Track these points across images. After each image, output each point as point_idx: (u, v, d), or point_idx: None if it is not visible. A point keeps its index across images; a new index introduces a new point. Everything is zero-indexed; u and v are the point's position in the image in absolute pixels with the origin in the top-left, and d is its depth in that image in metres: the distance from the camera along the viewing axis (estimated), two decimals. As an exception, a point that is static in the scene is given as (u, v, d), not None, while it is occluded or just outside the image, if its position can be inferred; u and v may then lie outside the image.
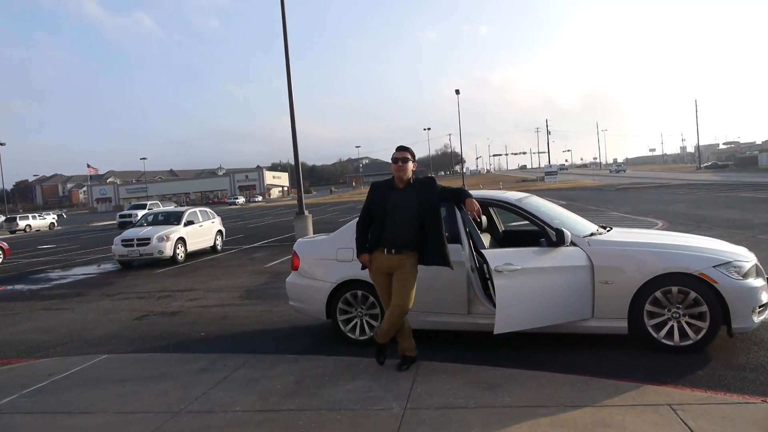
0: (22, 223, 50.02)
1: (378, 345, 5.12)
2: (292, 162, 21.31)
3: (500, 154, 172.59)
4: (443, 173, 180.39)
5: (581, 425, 3.57)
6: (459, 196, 5.08)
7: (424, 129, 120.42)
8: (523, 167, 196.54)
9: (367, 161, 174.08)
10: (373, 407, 4.15)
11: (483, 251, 5.31)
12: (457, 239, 5.78)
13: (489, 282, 5.58)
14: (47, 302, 11.05)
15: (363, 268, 5.13)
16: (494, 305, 5.41)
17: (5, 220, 52.98)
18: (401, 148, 5.02)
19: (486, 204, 6.70)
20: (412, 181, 5.00)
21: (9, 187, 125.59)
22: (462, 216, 5.85)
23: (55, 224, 53.59)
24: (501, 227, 7.42)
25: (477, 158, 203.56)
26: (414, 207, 4.86)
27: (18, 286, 14.08)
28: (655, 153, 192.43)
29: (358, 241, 5.11)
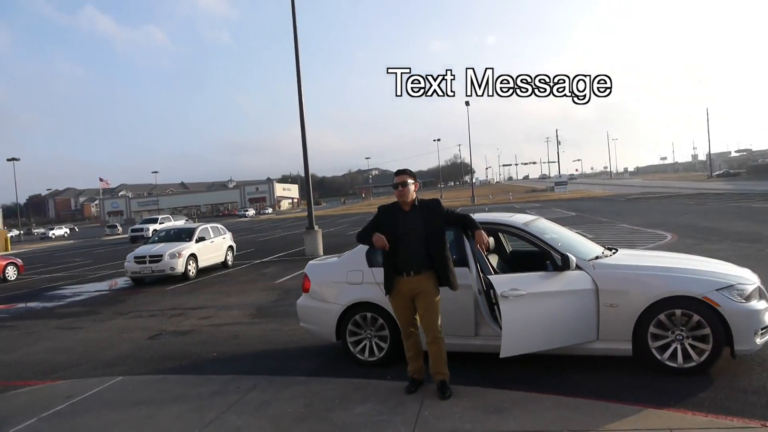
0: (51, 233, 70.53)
1: (414, 379, 5.16)
2: (301, 174, 21.53)
3: (510, 164, 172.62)
4: (453, 183, 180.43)
5: (584, 451, 3.66)
6: (466, 225, 5.23)
7: (434, 140, 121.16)
8: (525, 177, 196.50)
9: (376, 172, 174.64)
10: (382, 431, 4.26)
11: (489, 277, 5.43)
12: (464, 263, 5.89)
13: (495, 305, 5.68)
14: (62, 321, 11.26)
15: (381, 246, 5.03)
16: (501, 327, 5.53)
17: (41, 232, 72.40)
18: (399, 172, 5.12)
19: (494, 229, 6.83)
20: (417, 203, 5.11)
21: (22, 201, 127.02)
22: (469, 240, 5.97)
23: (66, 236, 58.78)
24: (508, 248, 7.52)
25: (487, 168, 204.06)
26: (421, 229, 4.97)
27: (32, 304, 14.33)
28: (666, 161, 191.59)
29: (364, 237, 5.22)
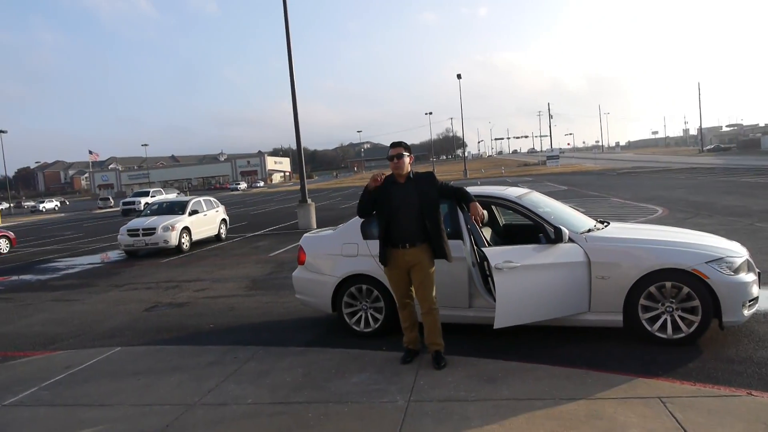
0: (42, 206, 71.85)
1: (409, 350, 5.25)
2: (293, 147, 21.49)
3: (502, 138, 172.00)
4: (445, 157, 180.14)
5: (575, 418, 3.78)
6: (460, 198, 5.30)
7: (426, 113, 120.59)
8: (515, 151, 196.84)
9: (368, 146, 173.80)
10: (378, 400, 4.37)
11: (483, 249, 5.50)
12: (458, 235, 5.97)
13: (489, 277, 5.77)
14: (57, 293, 11.29)
15: (379, 183, 5.11)
16: (494, 299, 5.62)
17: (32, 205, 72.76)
18: (395, 144, 5.13)
19: (487, 202, 6.88)
20: (411, 175, 5.14)
21: (11, 174, 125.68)
22: (463, 212, 6.03)
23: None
24: (502, 221, 7.59)
25: (479, 142, 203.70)
26: (416, 201, 5.00)
27: (26, 276, 14.32)
28: (657, 136, 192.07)
29: (364, 210, 5.32)
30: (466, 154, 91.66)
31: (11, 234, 21.74)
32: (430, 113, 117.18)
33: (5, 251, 20.61)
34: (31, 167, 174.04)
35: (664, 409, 3.80)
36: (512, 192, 6.52)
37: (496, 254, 5.36)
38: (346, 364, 5.26)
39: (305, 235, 7.24)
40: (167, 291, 10.55)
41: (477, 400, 4.21)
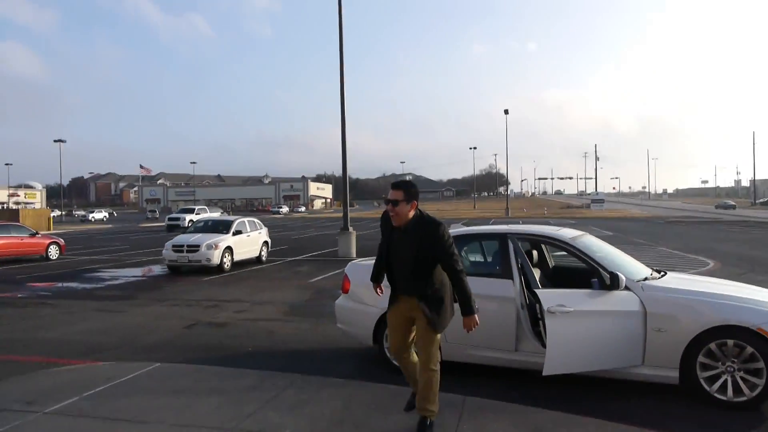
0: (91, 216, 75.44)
1: (422, 419, 4.36)
2: (336, 174, 21.73)
3: (546, 178, 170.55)
4: (487, 194, 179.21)
5: (631, 480, 3.54)
6: (453, 280, 4.24)
7: (470, 148, 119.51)
8: (558, 192, 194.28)
9: (410, 177, 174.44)
10: (420, 441, 4.20)
11: (537, 291, 5.34)
12: (508, 274, 5.83)
13: (540, 321, 5.58)
14: (101, 303, 11.50)
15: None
16: (543, 344, 5.43)
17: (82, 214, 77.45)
18: (394, 186, 4.29)
19: (539, 241, 6.74)
20: (410, 224, 4.26)
21: (65, 182, 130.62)
22: (514, 249, 5.89)
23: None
24: (551, 263, 7.39)
25: (522, 180, 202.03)
26: (409, 255, 4.22)
27: (72, 284, 14.68)
28: (707, 185, 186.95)
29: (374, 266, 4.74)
30: (508, 191, 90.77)
31: (61, 241, 22.43)
32: (474, 148, 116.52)
33: (54, 257, 21.25)
34: (85, 177, 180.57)
35: (729, 479, 3.53)
36: (566, 233, 6.34)
37: (549, 297, 5.18)
38: (387, 400, 5.11)
39: (351, 262, 7.19)
40: (207, 310, 10.61)
41: (524, 450, 4.01)
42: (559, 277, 7.00)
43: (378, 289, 4.77)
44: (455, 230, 7.02)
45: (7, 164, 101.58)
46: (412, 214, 4.27)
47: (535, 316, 5.77)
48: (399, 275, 4.35)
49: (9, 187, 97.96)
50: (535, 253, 6.98)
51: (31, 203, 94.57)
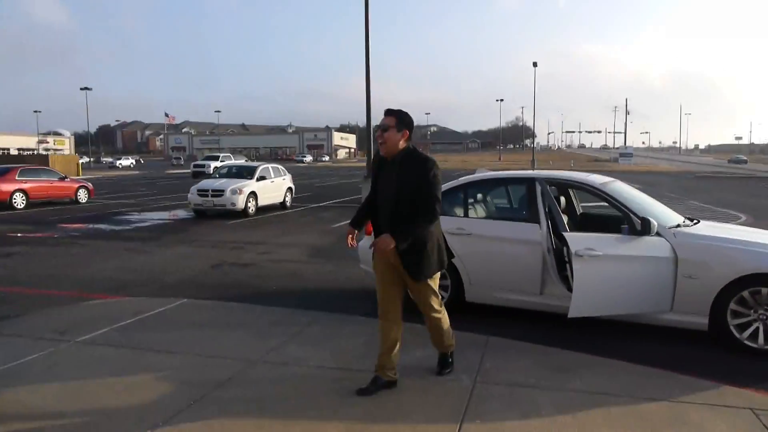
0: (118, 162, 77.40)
1: (376, 376, 4.03)
2: (360, 124, 21.50)
3: (573, 131, 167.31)
4: (512, 146, 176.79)
5: (657, 420, 3.51)
6: (418, 204, 3.76)
7: (497, 100, 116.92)
8: (581, 146, 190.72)
9: (435, 129, 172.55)
10: (443, 377, 4.22)
11: (564, 234, 5.24)
12: (535, 218, 5.72)
13: (567, 264, 5.50)
14: (129, 243, 11.70)
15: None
16: (569, 288, 5.36)
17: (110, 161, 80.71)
18: (387, 112, 3.91)
19: (566, 185, 6.59)
20: (400, 156, 3.87)
21: (93, 130, 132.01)
22: (542, 192, 5.76)
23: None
24: (579, 209, 7.25)
25: (549, 134, 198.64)
26: (392, 190, 3.82)
27: (101, 226, 14.94)
28: (741, 142, 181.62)
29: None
30: (534, 144, 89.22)
31: (90, 185, 22.78)
32: (501, 100, 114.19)
33: (84, 201, 21.61)
34: (111, 125, 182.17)
35: (758, 422, 3.48)
36: (596, 178, 6.18)
37: (577, 240, 5.08)
38: (409, 338, 5.10)
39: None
40: (232, 251, 10.73)
41: (547, 389, 4.00)
42: (586, 224, 6.88)
43: (350, 237, 4.14)
44: (481, 174, 6.89)
45: (35, 111, 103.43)
46: (402, 144, 3.87)
47: (561, 260, 5.69)
48: (382, 217, 3.92)
49: (38, 134, 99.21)
50: (563, 199, 6.84)
51: (60, 150, 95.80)
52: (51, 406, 3.73)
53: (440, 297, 4.17)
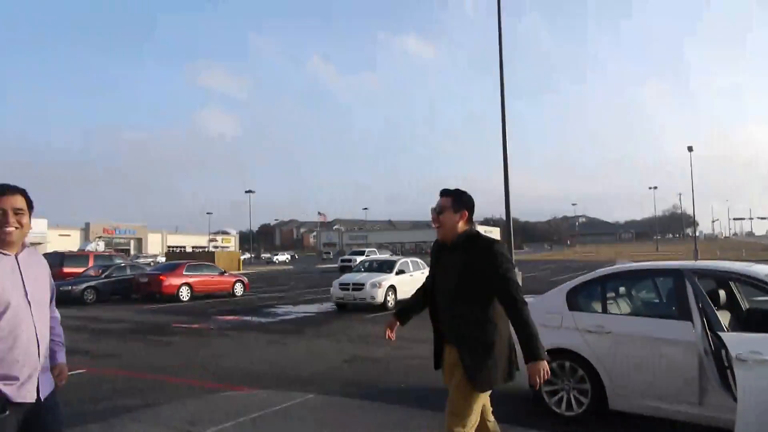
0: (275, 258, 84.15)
1: None
2: (503, 217, 21.19)
3: (743, 218, 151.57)
4: (671, 236, 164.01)
5: None
6: (507, 307, 3.23)
7: (650, 188, 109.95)
8: (749, 233, 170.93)
9: (583, 219, 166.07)
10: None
11: (721, 334, 4.52)
12: (686, 315, 5.04)
13: (728, 371, 4.71)
14: (271, 336, 12.20)
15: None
16: (734, 397, 4.54)
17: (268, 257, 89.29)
18: (442, 193, 3.52)
19: (726, 278, 5.80)
20: (460, 240, 3.42)
21: (255, 228, 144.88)
22: (692, 287, 5.10)
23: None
24: (744, 305, 6.30)
25: (713, 221, 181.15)
26: (453, 279, 3.35)
27: (250, 318, 15.84)
28: None
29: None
30: (696, 233, 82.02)
31: (245, 279, 24.54)
32: (655, 188, 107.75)
33: (239, 294, 23.25)
34: (271, 224, 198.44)
35: None
36: (761, 269, 5.36)
37: (738, 341, 4.34)
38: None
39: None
40: (367, 345, 10.73)
41: None
42: (754, 322, 5.93)
43: (389, 330, 3.83)
44: (622, 265, 6.33)
45: (207, 213, 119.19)
46: (462, 227, 3.43)
47: (722, 364, 4.89)
48: (442, 310, 3.46)
49: (209, 233, 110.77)
50: (722, 293, 6.00)
51: (227, 247, 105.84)
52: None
53: (474, 422, 3.33)
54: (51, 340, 2.78)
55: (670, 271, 5.61)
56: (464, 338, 3.29)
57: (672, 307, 5.48)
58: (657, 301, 6.03)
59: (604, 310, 5.70)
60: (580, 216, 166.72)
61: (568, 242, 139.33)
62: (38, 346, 2.55)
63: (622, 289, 6.08)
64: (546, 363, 3.14)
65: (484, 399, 3.39)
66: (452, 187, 3.52)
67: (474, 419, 3.30)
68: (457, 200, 3.45)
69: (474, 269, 3.26)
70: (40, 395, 2.57)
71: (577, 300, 5.79)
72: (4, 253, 2.56)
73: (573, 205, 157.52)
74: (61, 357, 2.87)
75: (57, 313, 2.92)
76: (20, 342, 2.49)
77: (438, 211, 3.46)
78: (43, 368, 2.61)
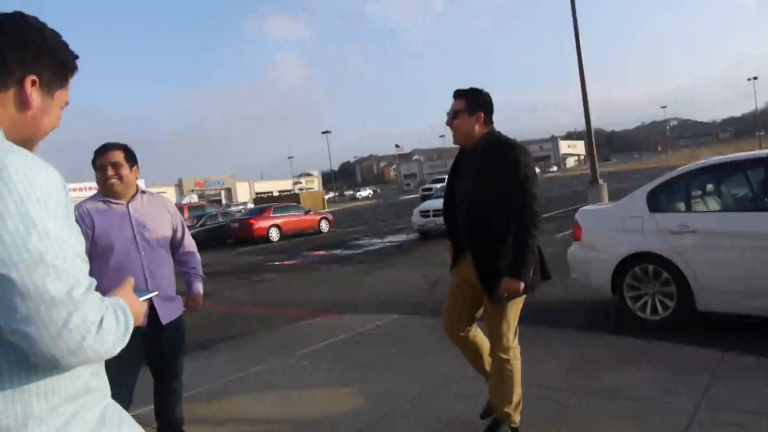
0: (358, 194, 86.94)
1: (493, 421, 3.28)
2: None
3: None
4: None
5: None
6: (518, 214, 2.98)
7: (749, 79, 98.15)
8: None
9: (675, 122, 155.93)
10: (660, 400, 3.63)
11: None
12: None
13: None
14: (358, 266, 12.67)
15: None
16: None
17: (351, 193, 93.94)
18: (456, 94, 3.20)
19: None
20: (478, 147, 3.15)
21: (336, 167, 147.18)
22: None
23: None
24: None
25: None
26: (469, 184, 3.14)
27: (337, 251, 16.40)
28: None
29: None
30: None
31: (330, 216, 25.30)
32: (755, 78, 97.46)
33: (325, 230, 24.00)
34: (351, 161, 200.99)
35: None
36: None
37: None
38: (625, 354, 4.56)
39: (582, 208, 6.61)
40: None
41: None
42: None
43: (451, 246, 3.45)
44: (709, 160, 5.95)
45: (289, 157, 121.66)
46: (479, 130, 3.14)
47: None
48: (460, 221, 3.21)
49: (292, 176, 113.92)
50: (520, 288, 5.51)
51: (311, 188, 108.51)
52: (262, 414, 4.09)
53: (517, 334, 3.25)
54: (186, 272, 3.22)
55: (762, 160, 5.21)
56: (482, 244, 3.10)
57: (765, 199, 5.13)
58: (747, 193, 5.63)
59: (688, 209, 5.42)
60: (671, 119, 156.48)
61: (659, 148, 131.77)
62: (146, 281, 2.83)
63: (709, 186, 5.73)
64: (522, 285, 2.98)
65: (513, 312, 3.20)
66: (467, 88, 3.20)
67: (514, 335, 3.25)
68: (472, 101, 3.12)
69: (490, 176, 3.03)
70: (162, 321, 2.92)
71: (658, 201, 5.53)
72: (114, 202, 2.88)
73: (662, 108, 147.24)
74: (196, 287, 3.26)
75: (190, 248, 3.26)
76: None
77: (452, 116, 3.17)
78: (165, 297, 2.94)
